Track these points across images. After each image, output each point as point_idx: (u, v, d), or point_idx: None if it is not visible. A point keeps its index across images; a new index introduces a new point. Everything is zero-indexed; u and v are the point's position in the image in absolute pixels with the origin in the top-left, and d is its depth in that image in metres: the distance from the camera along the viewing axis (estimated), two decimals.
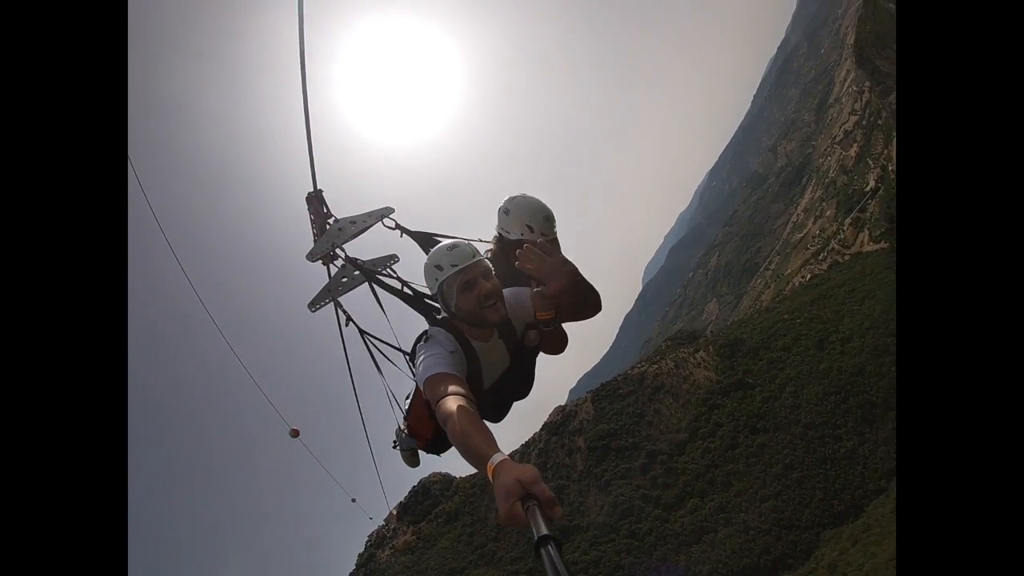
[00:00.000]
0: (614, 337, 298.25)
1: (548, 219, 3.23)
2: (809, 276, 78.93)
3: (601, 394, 52.80)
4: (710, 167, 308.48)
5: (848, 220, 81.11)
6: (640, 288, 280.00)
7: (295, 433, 10.73)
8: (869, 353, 40.68)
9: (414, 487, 56.14)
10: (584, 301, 2.93)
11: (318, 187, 3.78)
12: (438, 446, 3.25)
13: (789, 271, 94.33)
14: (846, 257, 73.69)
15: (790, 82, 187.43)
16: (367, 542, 54.73)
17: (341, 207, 4.04)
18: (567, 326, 3.13)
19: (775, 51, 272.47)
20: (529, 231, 3.19)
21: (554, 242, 3.18)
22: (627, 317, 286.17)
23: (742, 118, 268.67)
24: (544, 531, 1.28)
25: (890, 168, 71.28)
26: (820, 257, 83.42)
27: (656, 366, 52.46)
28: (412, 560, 47.20)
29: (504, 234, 3.30)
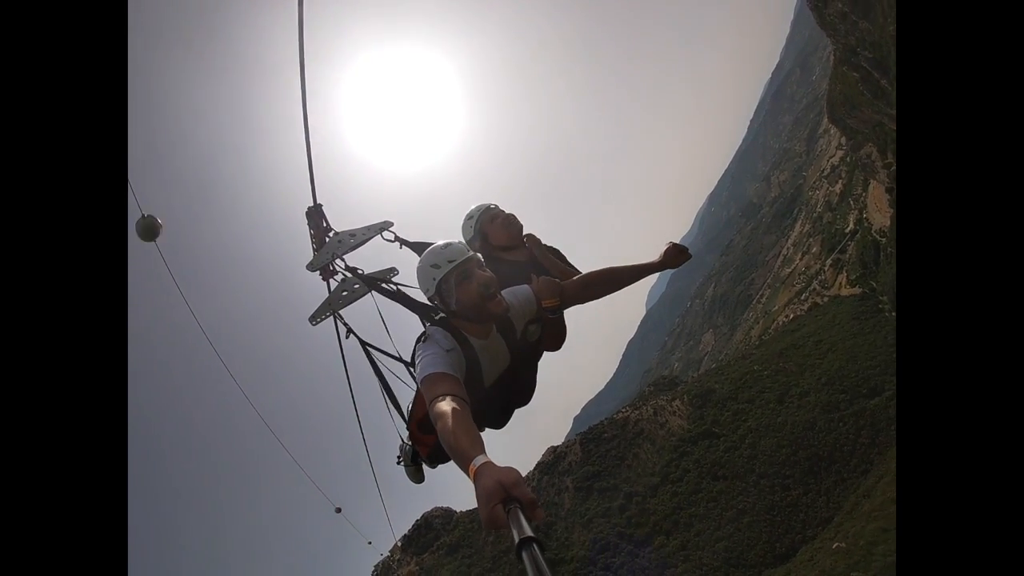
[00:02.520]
0: (617, 365, 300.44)
1: (488, 204, 3.65)
2: (792, 316, 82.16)
3: (589, 437, 57.96)
4: (710, 191, 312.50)
5: (829, 261, 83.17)
6: (644, 313, 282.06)
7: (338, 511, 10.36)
8: (821, 409, 45.55)
9: (417, 521, 60.56)
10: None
11: (318, 202, 3.80)
12: (440, 456, 3.18)
13: (776, 308, 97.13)
14: (825, 299, 76.22)
15: (784, 108, 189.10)
16: (373, 572, 59.49)
17: (340, 225, 3.94)
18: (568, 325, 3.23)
19: (769, 76, 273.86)
20: (476, 212, 3.64)
21: (495, 211, 3.64)
22: (630, 344, 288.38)
23: (740, 142, 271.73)
24: (526, 533, 1.26)
25: (864, 215, 74.74)
26: (803, 297, 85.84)
27: (638, 412, 57.68)
28: None
29: (466, 237, 3.66)
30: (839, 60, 62.85)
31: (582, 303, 3.12)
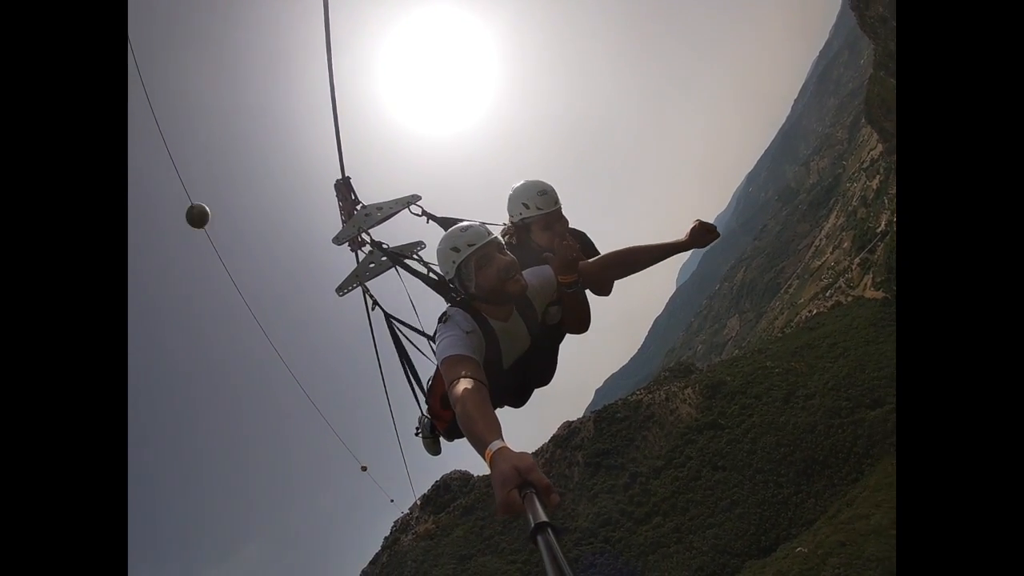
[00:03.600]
0: (643, 340, 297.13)
1: (543, 193, 3.28)
2: (814, 312, 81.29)
3: (603, 415, 61.02)
4: (749, 170, 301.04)
5: (857, 259, 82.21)
6: (674, 290, 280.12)
7: (364, 469, 10.97)
8: (823, 413, 47.65)
9: (436, 482, 64.42)
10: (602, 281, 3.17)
11: (346, 174, 3.80)
12: (457, 432, 3.14)
13: (801, 300, 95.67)
14: (849, 298, 75.62)
15: (829, 91, 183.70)
16: (392, 527, 63.25)
17: (370, 197, 3.93)
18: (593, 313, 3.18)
19: (817, 54, 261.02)
20: (526, 208, 3.28)
21: (555, 215, 3.31)
22: (656, 321, 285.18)
23: (783, 121, 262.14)
24: (542, 518, 1.27)
25: (895, 218, 73.85)
26: (827, 293, 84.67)
27: (651, 395, 60.52)
28: (430, 545, 56.00)
29: (511, 218, 3.40)
30: (878, 64, 62.34)
31: (605, 282, 3.14)
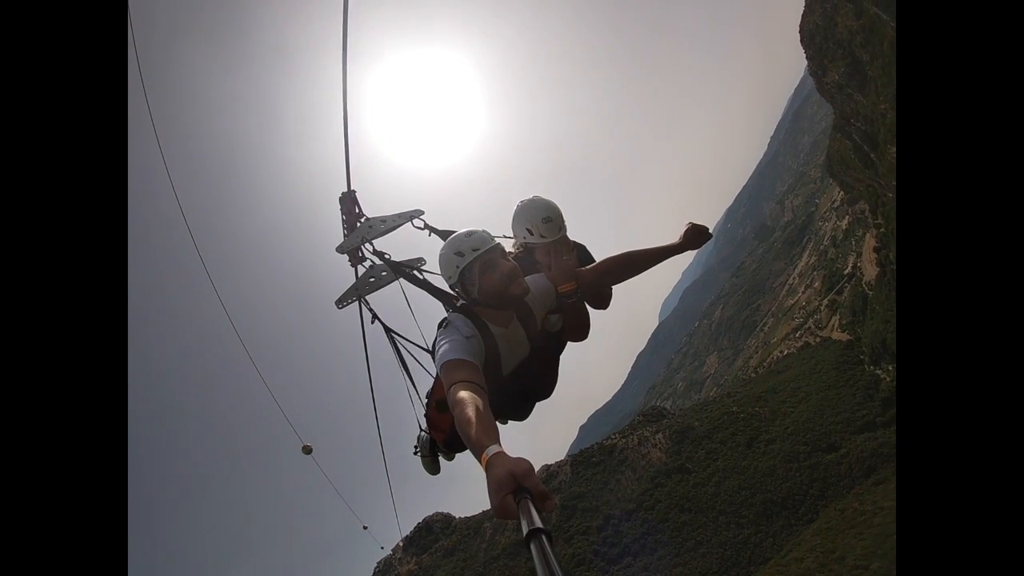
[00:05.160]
0: (626, 375, 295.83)
1: (547, 220, 3.17)
2: (785, 352, 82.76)
3: (579, 459, 63.99)
4: (728, 205, 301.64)
5: (826, 300, 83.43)
6: (656, 324, 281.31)
7: (307, 449, 11.06)
8: (783, 457, 50.86)
9: (419, 523, 66.32)
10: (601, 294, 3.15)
11: (352, 188, 3.83)
12: (456, 443, 3.12)
13: (775, 340, 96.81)
14: (817, 339, 77.34)
15: (804, 128, 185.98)
16: (375, 568, 65.45)
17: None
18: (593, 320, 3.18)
19: (793, 91, 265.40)
20: (529, 234, 3.19)
21: (561, 243, 3.19)
22: (640, 356, 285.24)
23: (760, 158, 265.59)
24: (536, 524, 1.25)
25: (859, 263, 76.74)
26: (798, 334, 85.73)
27: (625, 440, 63.51)
28: None
29: (515, 238, 3.32)
30: (835, 126, 66.20)
31: (602, 288, 3.20)
